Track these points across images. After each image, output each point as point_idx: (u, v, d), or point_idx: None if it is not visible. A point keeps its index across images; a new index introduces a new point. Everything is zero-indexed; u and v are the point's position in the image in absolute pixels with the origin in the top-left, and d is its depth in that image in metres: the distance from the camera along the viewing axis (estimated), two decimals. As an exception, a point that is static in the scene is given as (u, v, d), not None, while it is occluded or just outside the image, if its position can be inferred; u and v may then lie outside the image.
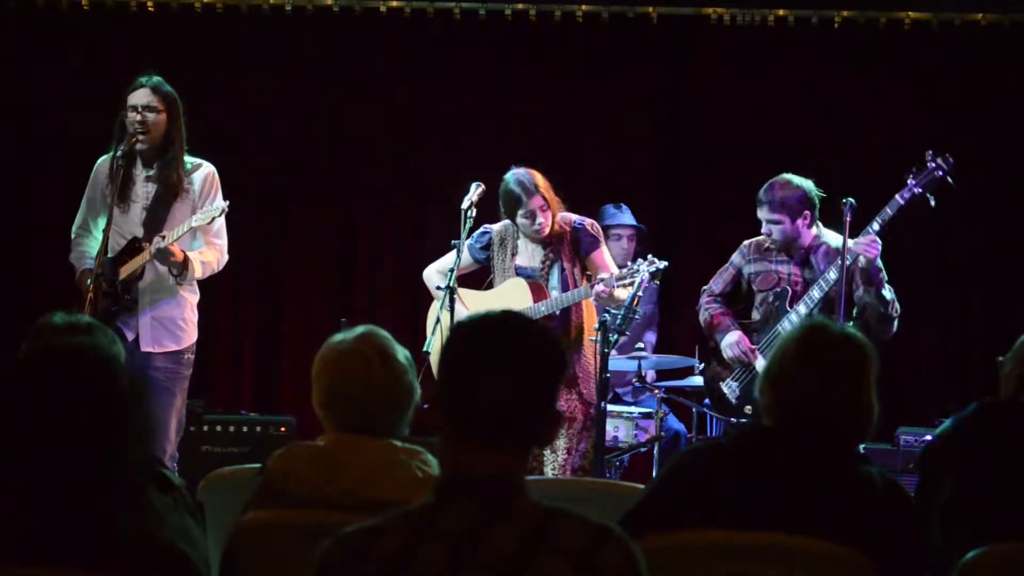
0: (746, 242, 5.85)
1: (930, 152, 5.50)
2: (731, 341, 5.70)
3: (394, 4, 7.81)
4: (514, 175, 5.56)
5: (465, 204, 5.51)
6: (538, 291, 5.56)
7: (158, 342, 5.32)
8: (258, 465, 2.98)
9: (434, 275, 5.81)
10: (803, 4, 7.69)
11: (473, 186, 5.56)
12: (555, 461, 5.48)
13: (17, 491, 2.21)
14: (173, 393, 5.29)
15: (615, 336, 5.38)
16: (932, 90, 7.67)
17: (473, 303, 5.66)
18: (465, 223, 5.48)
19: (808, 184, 5.63)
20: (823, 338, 2.81)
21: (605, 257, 5.61)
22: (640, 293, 5.38)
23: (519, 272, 5.65)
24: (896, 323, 5.58)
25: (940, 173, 5.47)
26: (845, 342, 2.81)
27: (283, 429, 6.61)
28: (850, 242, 5.39)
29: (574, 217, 5.65)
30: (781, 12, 7.70)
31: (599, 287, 5.33)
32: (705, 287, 5.92)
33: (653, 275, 5.36)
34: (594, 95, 7.90)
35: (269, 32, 7.85)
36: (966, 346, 7.65)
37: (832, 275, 5.48)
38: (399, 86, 7.85)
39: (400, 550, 1.99)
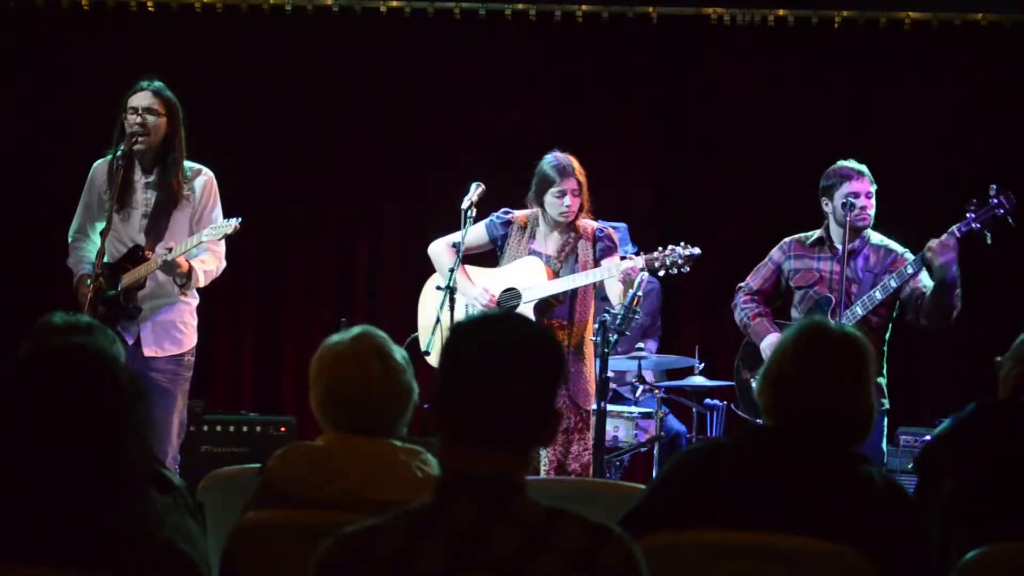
0: (787, 239, 5.73)
1: (994, 187, 5.35)
2: (771, 343, 5.58)
3: (394, 4, 7.81)
4: (555, 155, 5.53)
5: (465, 204, 5.50)
6: (552, 276, 5.54)
7: (160, 346, 5.32)
8: (258, 465, 2.98)
9: (443, 252, 5.71)
10: (803, 4, 7.69)
11: (473, 186, 5.55)
12: (544, 457, 5.45)
13: (17, 491, 2.21)
14: (174, 395, 5.29)
15: (615, 336, 5.38)
16: (932, 90, 7.67)
17: (483, 279, 5.62)
18: (465, 223, 5.48)
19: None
20: (821, 338, 2.81)
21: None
22: (640, 293, 5.37)
23: (533, 255, 5.61)
24: (956, 313, 5.46)
25: (1001, 211, 5.33)
26: (843, 342, 2.81)
27: (283, 429, 6.61)
28: (935, 241, 5.26)
29: (598, 223, 5.63)
30: (781, 12, 7.70)
31: (627, 265, 5.30)
32: (741, 284, 5.80)
33: (687, 259, 5.33)
34: (594, 95, 7.90)
35: (269, 32, 7.86)
36: (966, 346, 7.65)
37: (893, 283, 5.38)
38: (399, 86, 7.86)
39: (400, 550, 1.99)
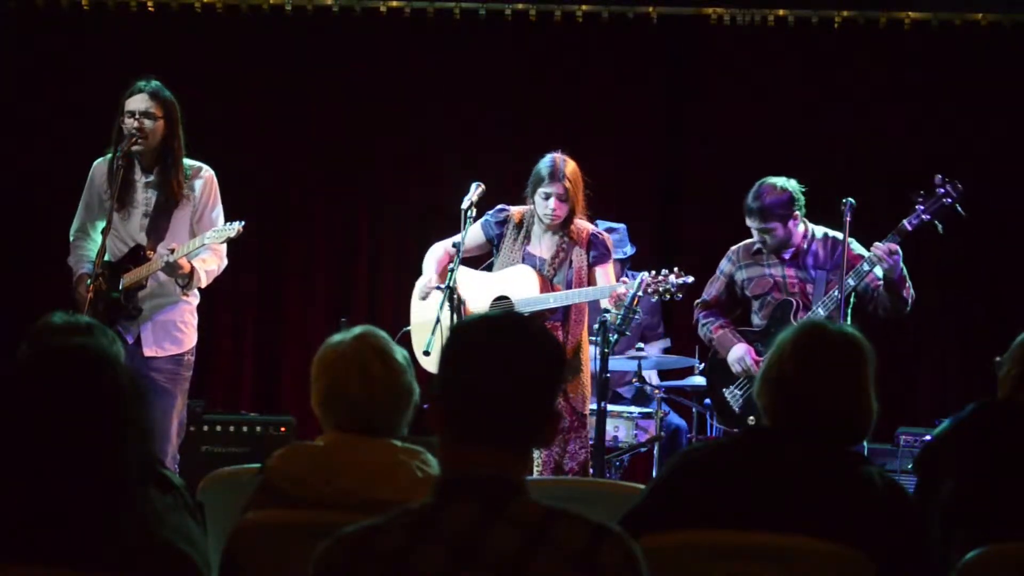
0: (733, 248, 5.79)
1: (939, 176, 5.39)
2: (738, 356, 5.62)
3: (394, 4, 7.81)
4: (551, 156, 5.53)
5: (465, 204, 5.50)
6: (545, 284, 5.54)
7: (160, 345, 5.32)
8: (258, 465, 2.98)
9: (433, 258, 5.68)
10: (803, 4, 7.69)
11: (473, 186, 5.55)
12: (539, 457, 5.45)
13: (17, 491, 2.21)
14: (174, 395, 5.30)
15: (615, 336, 5.37)
16: (932, 90, 7.67)
17: (475, 284, 5.62)
18: (465, 223, 5.47)
19: (792, 184, 5.59)
20: (821, 338, 2.81)
21: (609, 273, 5.58)
22: (640, 293, 5.36)
23: (526, 260, 5.60)
24: (909, 307, 5.55)
25: (948, 200, 5.37)
26: (843, 342, 2.81)
27: (283, 429, 6.60)
28: (878, 247, 5.33)
29: (593, 227, 5.62)
30: (781, 12, 7.70)
31: (619, 290, 5.30)
32: (698, 300, 5.85)
33: (679, 287, 5.34)
34: (594, 95, 7.90)
35: (269, 32, 7.86)
36: (966, 346, 7.65)
37: (851, 282, 5.42)
38: (399, 86, 7.86)
39: (400, 550, 1.99)
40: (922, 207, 5.39)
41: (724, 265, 5.80)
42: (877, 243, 5.36)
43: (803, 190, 5.60)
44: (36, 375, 2.28)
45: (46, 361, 2.32)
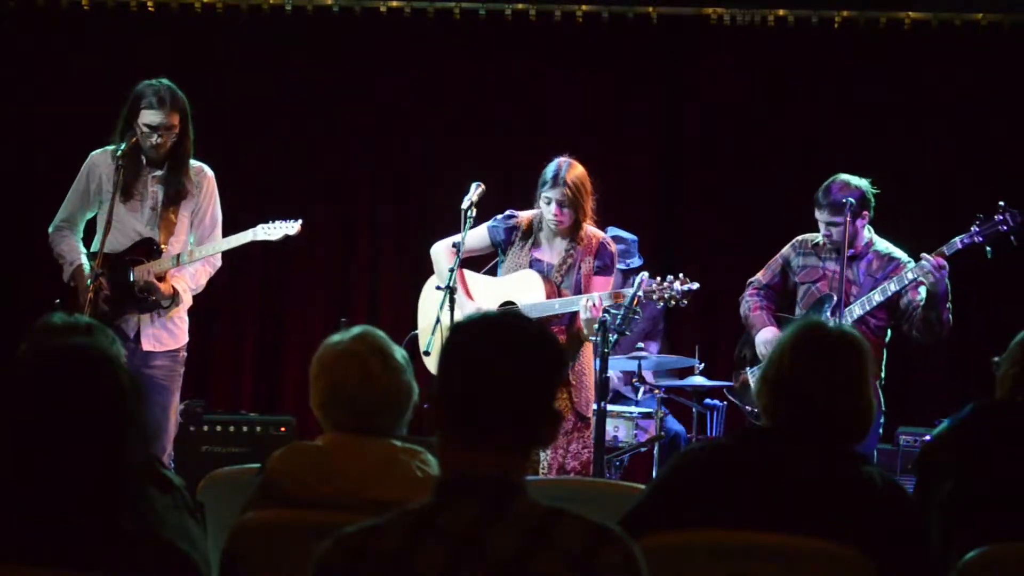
0: (800, 237, 5.83)
1: (1002, 203, 5.43)
2: (765, 339, 5.67)
3: (394, 4, 7.81)
4: (556, 161, 5.49)
5: (465, 204, 5.48)
6: (552, 290, 5.50)
7: (159, 340, 5.36)
8: (258, 465, 2.98)
9: (444, 255, 5.64)
10: (803, 4, 7.69)
11: (473, 186, 5.54)
12: (545, 460, 5.44)
13: (17, 491, 2.21)
14: (171, 391, 5.35)
15: (615, 336, 5.36)
16: (932, 90, 7.67)
17: (481, 288, 5.60)
18: (465, 223, 5.46)
19: (864, 183, 5.62)
20: (819, 338, 2.81)
21: (607, 287, 5.53)
22: (640, 293, 5.35)
23: (534, 265, 5.57)
24: (946, 331, 5.57)
25: (1004, 228, 5.40)
26: (841, 341, 2.81)
27: (283, 429, 6.60)
28: (927, 258, 5.36)
29: (603, 235, 5.60)
30: (781, 12, 7.70)
31: (592, 301, 5.26)
32: (752, 279, 5.89)
33: (684, 294, 5.29)
34: (594, 95, 7.90)
35: (269, 32, 7.86)
36: (965, 346, 7.64)
37: (892, 287, 5.46)
38: (399, 86, 7.86)
39: (399, 550, 1.99)
40: (978, 228, 5.42)
41: (785, 249, 5.86)
42: (926, 254, 5.38)
43: (876, 193, 5.63)
44: (36, 375, 2.28)
45: (46, 361, 2.32)
